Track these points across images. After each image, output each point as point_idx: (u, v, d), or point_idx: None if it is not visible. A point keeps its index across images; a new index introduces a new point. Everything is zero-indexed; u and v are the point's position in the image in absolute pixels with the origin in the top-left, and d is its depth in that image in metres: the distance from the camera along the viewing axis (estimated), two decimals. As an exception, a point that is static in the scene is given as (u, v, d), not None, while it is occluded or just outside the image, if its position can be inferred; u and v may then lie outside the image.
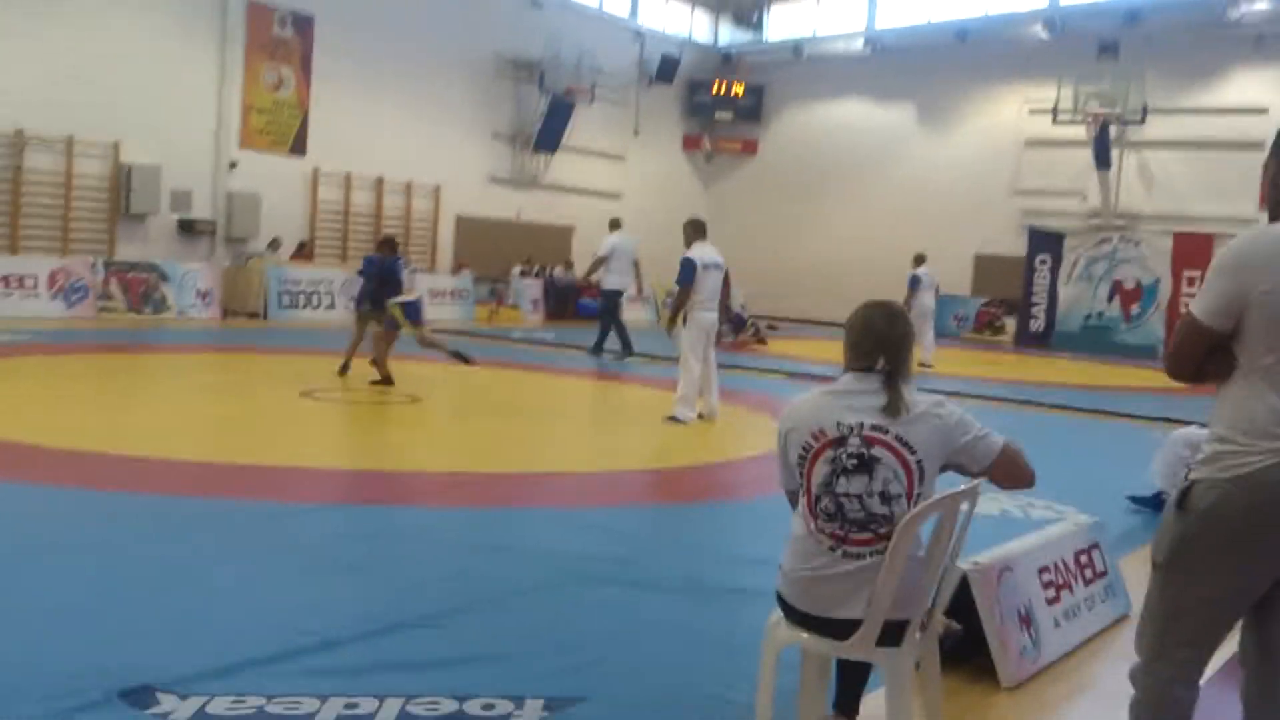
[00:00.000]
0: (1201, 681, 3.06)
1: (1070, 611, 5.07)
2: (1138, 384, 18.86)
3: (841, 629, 3.38)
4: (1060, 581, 5.08)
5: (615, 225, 18.34)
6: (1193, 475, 3.00)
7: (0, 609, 4.53)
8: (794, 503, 3.55)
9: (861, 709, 3.90)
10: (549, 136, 26.34)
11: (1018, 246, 27.15)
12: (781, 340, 22.54)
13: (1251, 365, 2.94)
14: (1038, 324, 26.85)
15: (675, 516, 7.37)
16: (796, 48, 30.46)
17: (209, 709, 3.64)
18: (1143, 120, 25.45)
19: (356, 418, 10.48)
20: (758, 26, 32.33)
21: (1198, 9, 24.98)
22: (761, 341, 21.67)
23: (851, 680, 3.76)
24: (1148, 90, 25.26)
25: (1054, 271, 26.63)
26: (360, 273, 12.86)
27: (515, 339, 18.88)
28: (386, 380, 11.76)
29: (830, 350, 20.41)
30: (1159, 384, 19.36)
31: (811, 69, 30.36)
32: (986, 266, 27.70)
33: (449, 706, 3.82)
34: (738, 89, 31.32)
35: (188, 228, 20.38)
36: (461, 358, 12.46)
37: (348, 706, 3.74)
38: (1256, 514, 2.85)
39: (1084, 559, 5.37)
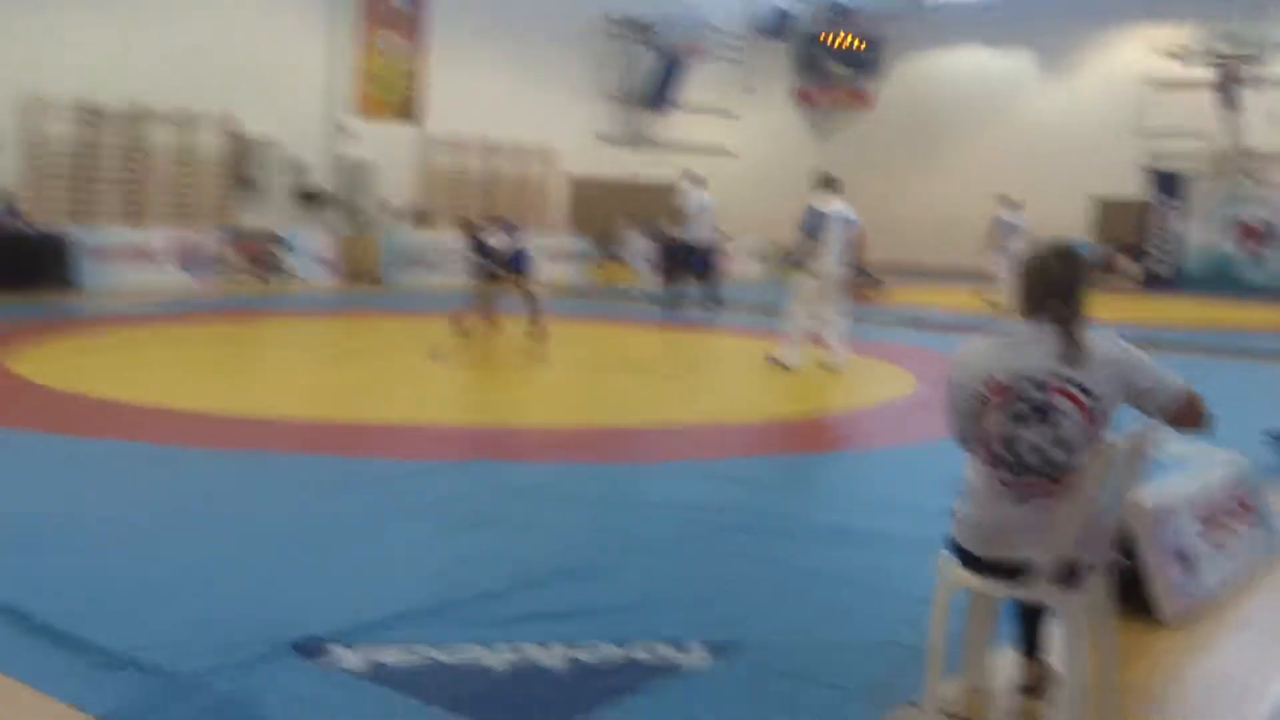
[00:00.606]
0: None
1: (1226, 548, 4.95)
2: (1265, 323, 18.30)
3: (1018, 571, 3.34)
4: (1216, 519, 4.96)
5: (697, 181, 18.49)
6: None
7: (164, 567, 4.66)
8: (965, 447, 3.49)
9: (1007, 657, 3.87)
10: (661, 95, 26.21)
11: (1139, 189, 26.38)
12: (901, 289, 22.23)
13: None
14: (1164, 267, 26.13)
15: (807, 466, 7.35)
16: (916, -3, 29.77)
17: (380, 659, 3.73)
18: (1269, 60, 24.43)
19: (482, 377, 10.61)
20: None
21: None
22: (879, 283, 21.19)
23: (1033, 622, 3.71)
24: (1274, 29, 24.24)
25: (1179, 213, 25.88)
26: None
27: (633, 297, 18.91)
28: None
29: (948, 296, 20.26)
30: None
31: (928, 18, 29.69)
32: (1108, 210, 26.93)
33: (612, 652, 3.86)
34: (853, 41, 30.70)
35: (305, 196, 20.74)
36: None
37: (514, 653, 3.80)
38: None
39: (1238, 495, 5.23)
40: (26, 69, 17.09)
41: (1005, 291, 19.18)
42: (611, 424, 8.42)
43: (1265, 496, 5.50)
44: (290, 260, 19.29)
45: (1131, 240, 26.77)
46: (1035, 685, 3.67)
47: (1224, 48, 24.61)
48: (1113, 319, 17.19)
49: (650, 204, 26.37)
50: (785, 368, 11.02)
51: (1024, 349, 3.33)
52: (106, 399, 8.37)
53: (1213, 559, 4.80)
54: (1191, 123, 25.93)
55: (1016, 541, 3.34)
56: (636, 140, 26.81)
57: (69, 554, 4.79)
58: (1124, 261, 26.96)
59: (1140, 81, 26.73)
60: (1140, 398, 3.30)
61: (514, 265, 12.58)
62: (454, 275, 20.92)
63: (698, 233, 17.93)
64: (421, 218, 22.16)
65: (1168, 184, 25.96)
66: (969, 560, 3.45)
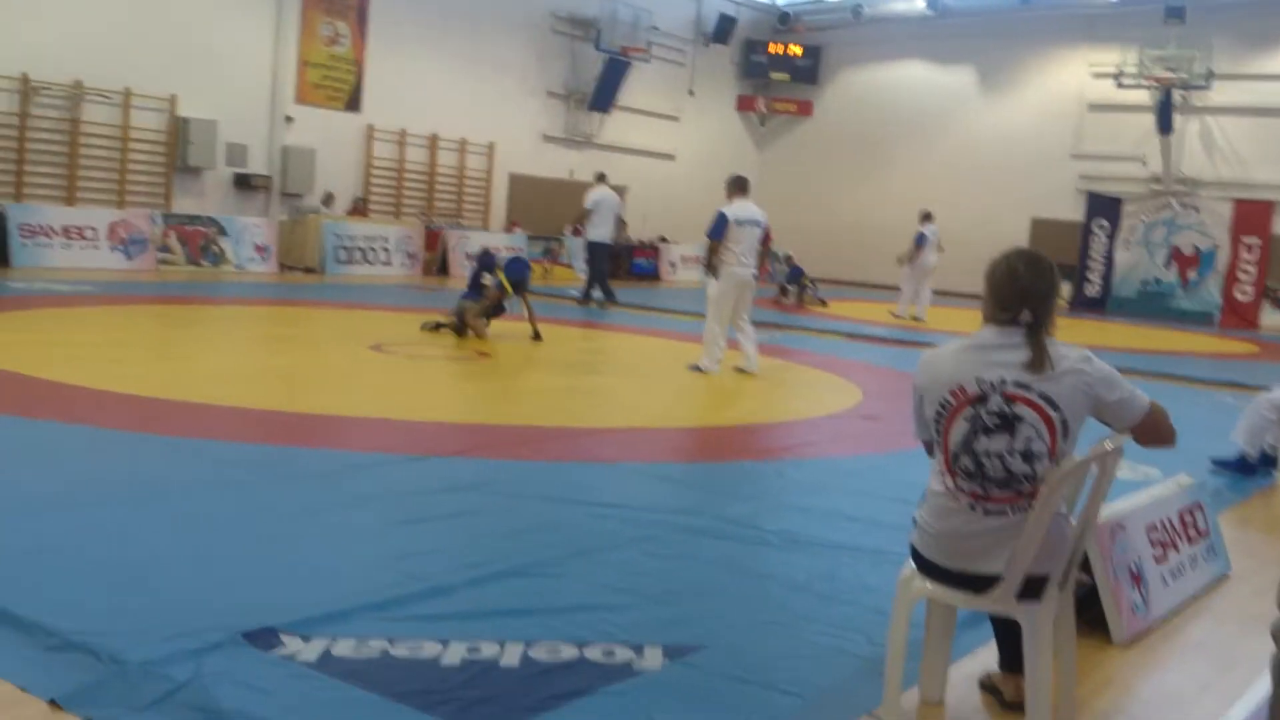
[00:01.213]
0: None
1: (1176, 570, 5.01)
2: (1196, 349, 18.66)
3: (980, 583, 3.33)
4: (1167, 540, 5.02)
5: (600, 179, 19.34)
6: None
7: (112, 553, 4.55)
8: (930, 453, 3.48)
9: (960, 668, 3.88)
10: (603, 95, 26.18)
11: (1075, 211, 26.84)
12: (837, 302, 22.43)
13: None
14: (1093, 289, 26.57)
15: (757, 473, 7.34)
16: (856, 8, 29.97)
17: (334, 650, 3.65)
18: (1208, 85, 24.95)
19: (427, 372, 10.50)
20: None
21: (1266, -28, 24.47)
22: (823, 303, 21.68)
23: (1012, 636, 3.69)
24: (1214, 55, 24.75)
25: (1111, 237, 26.35)
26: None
27: (572, 297, 18.83)
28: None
29: (878, 310, 20.47)
30: (1218, 349, 19.19)
31: (870, 30, 29.92)
32: (1043, 231, 27.32)
33: (569, 652, 3.81)
34: (795, 50, 30.92)
35: (244, 182, 20.42)
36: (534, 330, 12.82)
37: (470, 650, 3.74)
38: None
39: (1188, 518, 5.30)
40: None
41: (903, 302, 19.94)
42: (554, 424, 8.36)
43: (1214, 520, 5.58)
44: (227, 247, 19.00)
45: (1066, 262, 27.18)
46: (1017, 701, 3.66)
47: (1161, 72, 25.07)
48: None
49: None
50: (702, 372, 11.04)
51: (990, 356, 3.31)
52: (44, 379, 8.16)
53: (1164, 580, 4.85)
54: (1128, 147, 26.43)
55: (978, 552, 3.33)
56: (579, 140, 26.75)
57: (12, 535, 4.65)
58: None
59: (1079, 103, 27.19)
60: (1106, 411, 3.30)
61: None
62: (393, 268, 20.83)
63: (600, 230, 18.52)
64: (361, 209, 21.93)
65: (1102, 206, 26.40)
66: (930, 570, 3.44)
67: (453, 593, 4.32)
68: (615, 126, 27.35)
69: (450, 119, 23.60)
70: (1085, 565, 4.16)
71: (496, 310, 12.87)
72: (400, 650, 3.70)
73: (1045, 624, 3.33)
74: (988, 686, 3.84)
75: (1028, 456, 3.26)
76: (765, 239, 11.35)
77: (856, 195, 30.30)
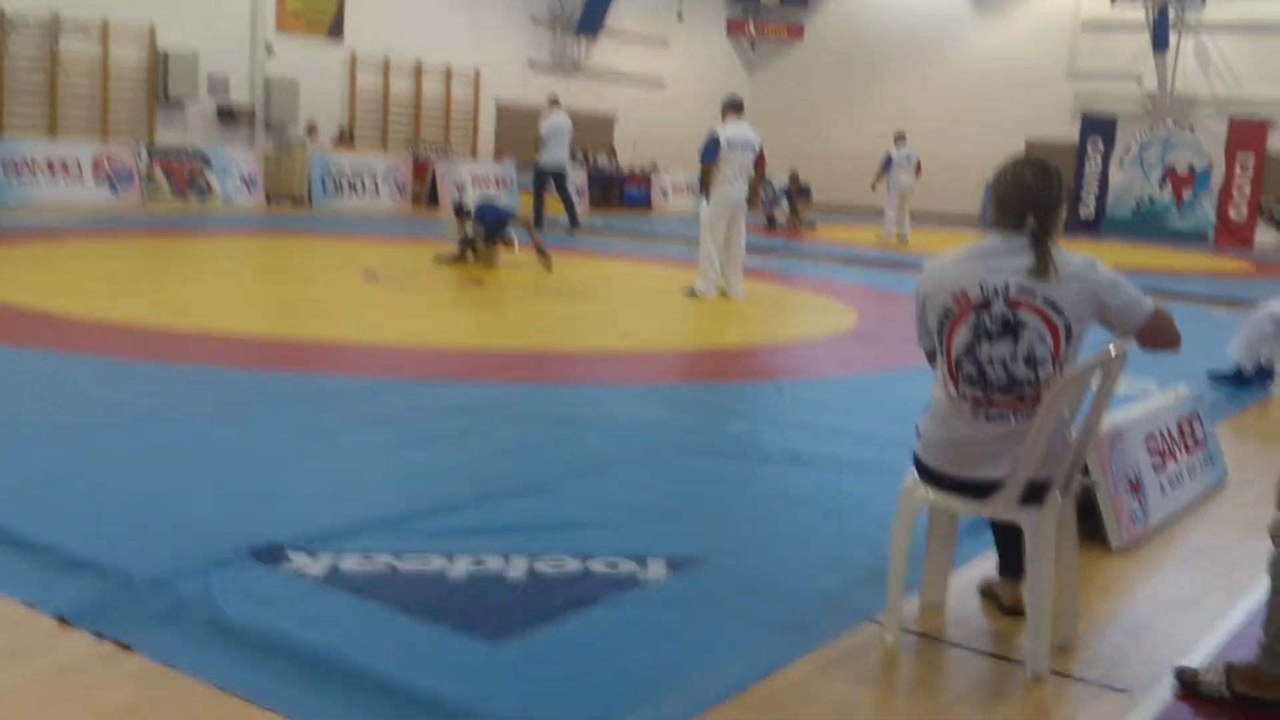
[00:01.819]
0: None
1: (1175, 478, 5.03)
2: (1191, 267, 18.67)
3: (982, 489, 3.34)
4: (1165, 449, 5.04)
5: (554, 104, 19.11)
6: None
7: (118, 475, 4.56)
8: (931, 360, 3.47)
9: (961, 576, 3.91)
10: (590, 20, 25.83)
11: (1070, 132, 26.66)
12: (831, 227, 22.36)
13: None
14: (1087, 210, 26.49)
15: (754, 393, 7.35)
16: (845, -74, 29.62)
17: (340, 566, 3.67)
18: (1202, 2, 24.68)
19: (422, 300, 10.45)
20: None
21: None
22: (811, 227, 21.63)
23: (1012, 542, 3.70)
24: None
25: (1106, 157, 26.21)
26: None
27: (563, 226, 18.71)
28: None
29: (871, 234, 20.43)
30: (1212, 267, 19.20)
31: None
32: (1038, 152, 27.01)
33: (573, 565, 3.82)
34: (784, -30, 30.52)
35: (226, 114, 20.17)
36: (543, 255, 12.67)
37: (475, 564, 3.76)
38: None
39: (1186, 428, 5.32)
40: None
41: (887, 225, 20.04)
42: (552, 348, 8.35)
43: (1212, 430, 5.60)
44: (213, 179, 18.83)
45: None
46: (1015, 606, 3.69)
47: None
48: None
49: (581, 133, 26.08)
50: (697, 296, 10.96)
51: (994, 262, 3.29)
52: (39, 310, 8.12)
53: (1162, 489, 4.87)
54: (1123, 66, 26.21)
55: (982, 459, 3.33)
56: (566, 67, 26.45)
57: (20, 458, 4.66)
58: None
59: (1073, 22, 26.92)
60: (1111, 315, 3.29)
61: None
62: (381, 199, 20.66)
63: (554, 155, 18.33)
64: (346, 139, 21.72)
65: (1098, 127, 26.24)
66: (933, 478, 3.44)
67: (458, 510, 4.33)
68: (603, 54, 27.03)
69: (435, 46, 23.28)
70: (1085, 471, 4.17)
71: (503, 239, 12.78)
72: (407, 564, 3.72)
73: (1047, 529, 3.34)
74: (988, 593, 3.87)
75: (1031, 362, 3.25)
76: (759, 163, 11.17)
77: (849, 119, 30.06)
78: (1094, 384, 3.45)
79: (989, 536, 3.89)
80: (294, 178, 19.89)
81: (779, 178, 22.98)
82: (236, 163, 19.23)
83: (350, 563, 3.69)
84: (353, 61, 22.06)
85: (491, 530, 4.11)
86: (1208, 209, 25.32)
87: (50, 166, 17.01)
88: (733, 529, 4.43)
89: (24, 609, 3.24)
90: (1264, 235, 24.76)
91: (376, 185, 20.79)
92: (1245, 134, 24.74)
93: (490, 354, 8.00)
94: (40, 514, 3.98)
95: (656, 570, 3.85)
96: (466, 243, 12.54)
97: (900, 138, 20.77)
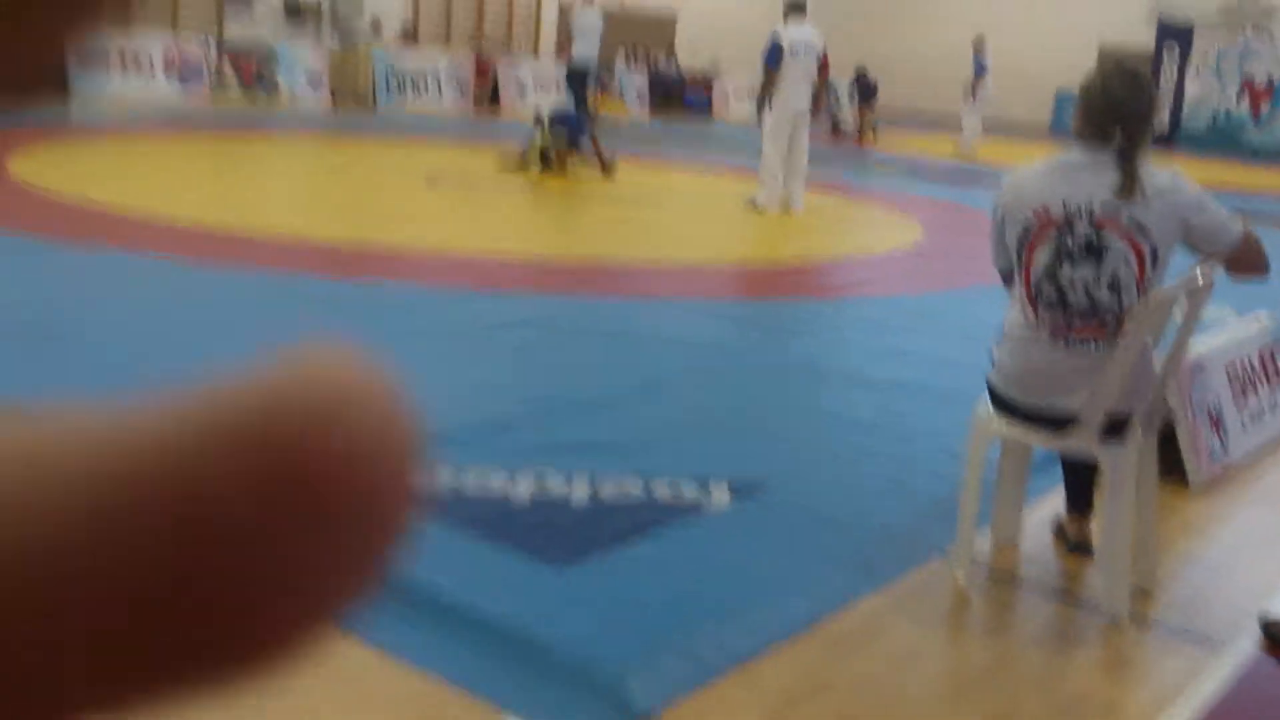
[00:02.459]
0: None
1: (1256, 414, 4.88)
2: (1267, 186, 18.12)
3: (1059, 421, 3.23)
4: (1246, 381, 4.88)
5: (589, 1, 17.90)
6: None
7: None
8: (1007, 281, 3.34)
9: (1035, 513, 3.81)
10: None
11: (1146, 39, 25.82)
12: (894, 134, 21.87)
13: None
14: (1161, 123, 25.75)
15: (817, 311, 7.24)
16: None
17: (402, 483, 3.64)
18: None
19: (482, 206, 10.37)
20: None
21: None
22: (874, 133, 21.02)
23: (1081, 477, 3.61)
24: None
25: (1182, 66, 25.38)
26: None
27: (623, 130, 18.48)
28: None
29: (939, 144, 19.98)
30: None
31: None
32: (1111, 59, 26.42)
33: (636, 488, 3.78)
34: None
35: (293, 9, 20.04)
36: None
37: (538, 484, 3.72)
38: None
39: (1268, 359, 5.15)
40: None
41: (968, 135, 19.29)
42: (611, 260, 8.25)
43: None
44: (280, 76, 18.72)
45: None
46: (1085, 542, 3.60)
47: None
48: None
49: (643, 33, 25.68)
50: (758, 209, 10.74)
51: (1078, 178, 3.14)
52: (110, 208, 8.14)
53: (1243, 425, 4.73)
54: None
55: (1059, 389, 3.22)
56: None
57: (82, 361, 4.66)
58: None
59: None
60: (1197, 238, 3.14)
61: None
62: (444, 100, 20.48)
63: (582, 53, 17.12)
64: (411, 37, 21.49)
65: (1174, 34, 25.37)
66: (1007, 408, 3.34)
67: (518, 427, 4.29)
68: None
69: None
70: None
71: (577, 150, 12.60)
72: (469, 483, 3.69)
73: (1128, 467, 3.24)
74: (1060, 530, 3.78)
75: (1114, 286, 3.12)
76: (823, 68, 10.82)
77: (915, 25, 29.31)
78: (1178, 313, 3.32)
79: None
80: (359, 76, 19.72)
81: (843, 78, 22.22)
82: (303, 59, 19.09)
83: (413, 481, 3.67)
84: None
85: (553, 449, 4.06)
86: (1287, 124, 24.59)
87: (122, 59, 16.97)
88: (795, 453, 4.37)
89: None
90: (1347, 153, 24.01)
91: (439, 85, 20.57)
92: (1331, 45, 23.90)
93: (549, 265, 7.92)
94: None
95: (719, 496, 3.80)
96: (541, 153, 12.34)
97: (984, 42, 19.50)
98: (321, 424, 0.19)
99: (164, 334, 5.26)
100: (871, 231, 10.88)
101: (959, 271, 8.23)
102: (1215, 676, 2.90)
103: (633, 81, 23.78)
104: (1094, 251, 3.12)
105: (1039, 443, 3.38)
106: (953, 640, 3.14)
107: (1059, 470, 3.86)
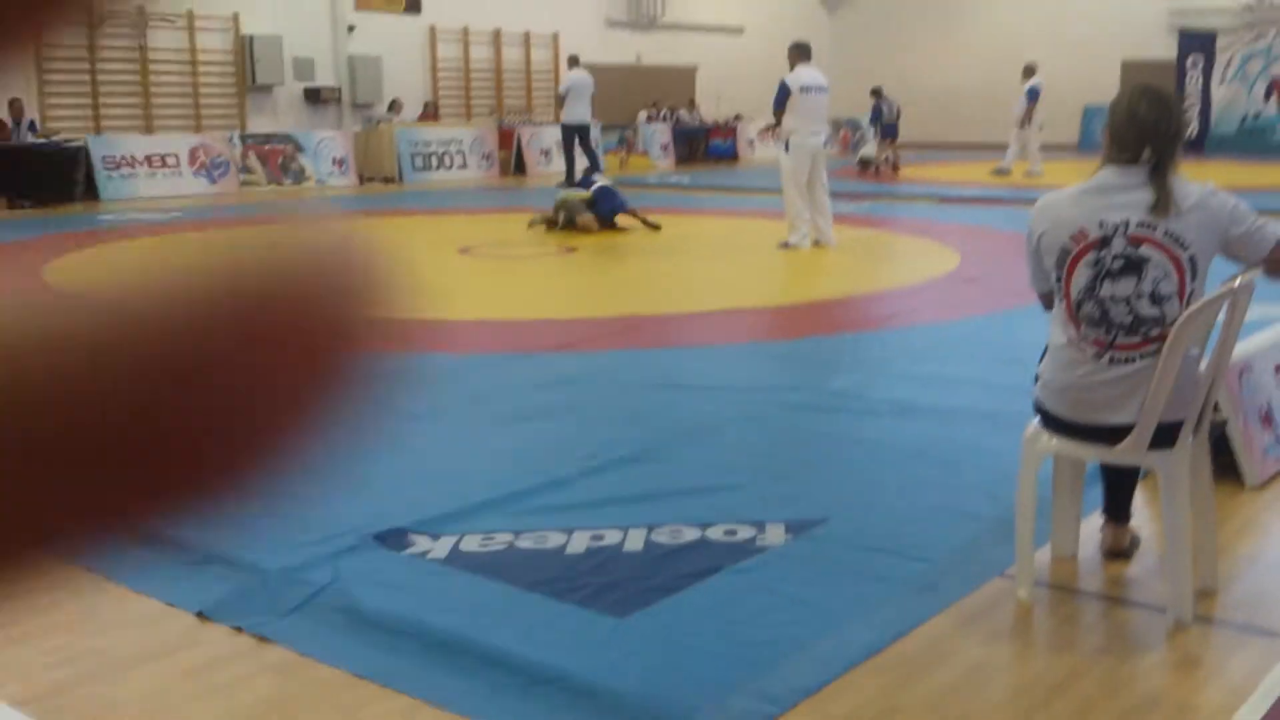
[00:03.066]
0: None
1: (1308, 410, 4.84)
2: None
3: (1110, 435, 3.24)
4: (1296, 379, 4.85)
5: (574, 63, 18.86)
6: None
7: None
8: (1047, 305, 3.38)
9: (1091, 525, 3.79)
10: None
11: (1168, 50, 25.78)
12: (921, 166, 21.92)
13: None
14: (1191, 129, 25.65)
15: (857, 344, 7.25)
16: None
17: (462, 546, 3.69)
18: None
19: (518, 271, 10.50)
20: None
21: None
22: (894, 169, 21.05)
23: (1121, 486, 3.61)
24: None
25: (1207, 74, 25.30)
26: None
27: (651, 184, 18.67)
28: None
29: (971, 172, 19.99)
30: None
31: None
32: (1135, 73, 26.35)
33: (691, 534, 3.80)
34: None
35: (313, 96, 20.44)
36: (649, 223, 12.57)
37: (593, 538, 3.76)
38: None
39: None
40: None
41: (1010, 157, 19.46)
42: (650, 311, 8.32)
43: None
44: (306, 162, 19.08)
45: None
46: (1121, 550, 3.60)
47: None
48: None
49: (663, 88, 25.94)
50: (792, 248, 10.82)
51: (1112, 198, 3.18)
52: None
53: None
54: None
55: (1106, 403, 3.24)
56: (644, 23, 26.27)
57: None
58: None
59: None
60: (1235, 245, 3.17)
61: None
62: (470, 170, 20.75)
63: (567, 112, 18.14)
64: (431, 113, 21.84)
65: (1196, 43, 25.32)
66: (1057, 425, 3.35)
67: (571, 484, 4.33)
68: (680, 5, 26.79)
69: (512, 12, 23.29)
70: (1216, 408, 4.03)
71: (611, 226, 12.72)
72: (525, 542, 3.73)
73: (1180, 472, 3.23)
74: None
75: (1156, 299, 3.15)
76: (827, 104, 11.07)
77: (935, 55, 29.42)
78: (1221, 317, 3.33)
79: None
80: (384, 156, 20.06)
81: (859, 114, 22.13)
82: (327, 144, 19.45)
83: (471, 543, 3.72)
84: (432, 34, 22.18)
85: (605, 502, 4.10)
86: (1318, 122, 24.42)
87: (149, 160, 17.36)
88: (847, 487, 4.38)
89: (165, 608, 3.31)
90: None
91: (465, 157, 20.88)
92: (1353, 39, 23.77)
93: (589, 321, 7.99)
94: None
95: (775, 534, 3.81)
96: (568, 220, 12.41)
97: (1033, 69, 19.63)
98: (293, 279, 0.23)
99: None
100: (907, 261, 10.90)
101: (999, 294, 8.22)
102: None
103: (656, 135, 24.02)
104: (1133, 266, 3.15)
105: (1090, 457, 3.39)
106: (1019, 656, 3.13)
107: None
